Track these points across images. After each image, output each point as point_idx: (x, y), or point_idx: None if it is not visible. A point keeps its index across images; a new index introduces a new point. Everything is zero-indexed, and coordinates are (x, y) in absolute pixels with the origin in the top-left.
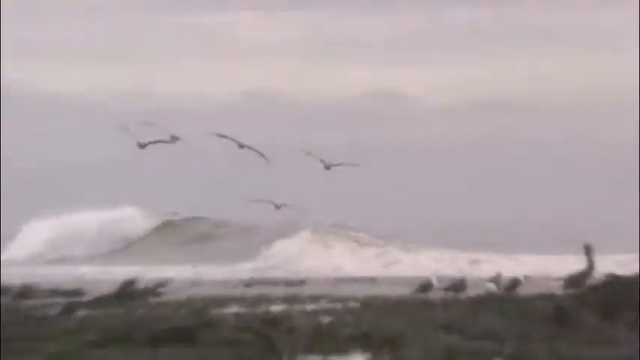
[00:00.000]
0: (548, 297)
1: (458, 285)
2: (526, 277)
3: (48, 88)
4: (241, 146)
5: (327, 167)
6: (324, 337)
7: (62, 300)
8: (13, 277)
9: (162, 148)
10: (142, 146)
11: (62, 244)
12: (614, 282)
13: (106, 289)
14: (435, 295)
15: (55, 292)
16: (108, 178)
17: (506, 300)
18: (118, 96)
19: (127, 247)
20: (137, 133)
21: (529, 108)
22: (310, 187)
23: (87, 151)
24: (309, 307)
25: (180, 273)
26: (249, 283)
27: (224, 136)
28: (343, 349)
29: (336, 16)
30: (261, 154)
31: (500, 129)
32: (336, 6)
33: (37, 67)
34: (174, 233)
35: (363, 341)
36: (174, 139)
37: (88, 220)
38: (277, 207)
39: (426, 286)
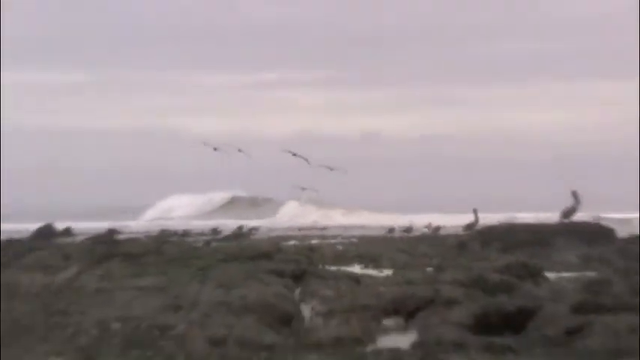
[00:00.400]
0: (454, 236)
1: (408, 229)
2: (444, 226)
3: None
4: (294, 154)
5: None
6: (339, 256)
7: (204, 237)
8: (170, 225)
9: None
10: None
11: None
12: (487, 228)
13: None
14: (396, 234)
15: (200, 234)
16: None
17: (433, 237)
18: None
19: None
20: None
21: None
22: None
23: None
24: (331, 241)
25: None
26: (301, 229)
27: (294, 154)
28: (349, 263)
29: None
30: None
31: None
32: None
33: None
34: (238, 203)
35: (359, 259)
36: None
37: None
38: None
39: (392, 230)
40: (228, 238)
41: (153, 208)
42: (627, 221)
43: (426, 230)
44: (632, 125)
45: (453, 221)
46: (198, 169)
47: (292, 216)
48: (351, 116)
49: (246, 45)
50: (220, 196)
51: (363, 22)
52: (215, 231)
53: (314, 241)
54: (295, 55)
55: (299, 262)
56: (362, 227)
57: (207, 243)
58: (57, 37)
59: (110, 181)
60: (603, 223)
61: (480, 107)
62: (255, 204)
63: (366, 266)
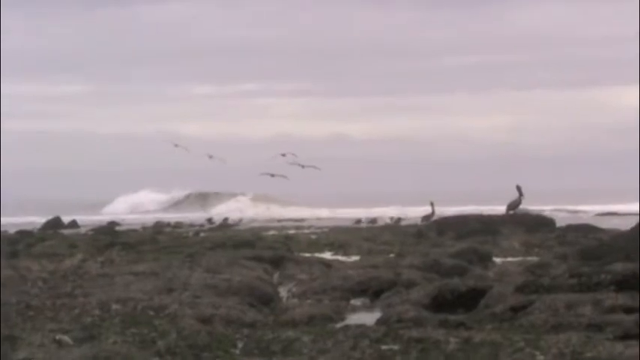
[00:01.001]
0: (414, 226)
1: (373, 220)
2: (404, 217)
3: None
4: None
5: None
6: (312, 244)
7: (193, 228)
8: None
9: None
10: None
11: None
12: (443, 219)
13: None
14: (363, 225)
15: (190, 225)
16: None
17: (395, 227)
18: None
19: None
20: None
21: None
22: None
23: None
24: (305, 231)
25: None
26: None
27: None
28: (321, 250)
29: None
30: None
31: None
32: None
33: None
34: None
35: (330, 246)
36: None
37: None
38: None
39: (359, 221)
40: (214, 228)
41: (118, 202)
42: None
43: (389, 221)
44: (574, 130)
45: (413, 213)
46: (170, 169)
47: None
48: (323, 121)
49: (230, 60)
50: (181, 193)
51: (334, 38)
52: (210, 221)
53: (290, 231)
54: (274, 68)
55: (277, 249)
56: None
57: (197, 233)
58: (61, 52)
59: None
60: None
61: (436, 113)
62: (205, 199)
63: (336, 253)
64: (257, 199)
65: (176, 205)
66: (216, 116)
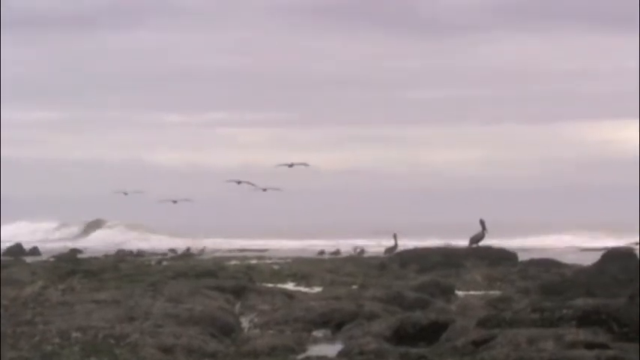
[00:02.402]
0: (377, 257)
1: (336, 252)
2: (367, 249)
3: None
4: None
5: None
6: (275, 275)
7: (156, 257)
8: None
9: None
10: None
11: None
12: (406, 251)
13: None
14: (325, 256)
15: (152, 253)
16: None
17: (358, 259)
18: None
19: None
20: None
21: None
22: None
23: None
24: (268, 261)
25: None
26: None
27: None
28: (284, 281)
29: None
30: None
31: None
32: None
33: None
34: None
35: (293, 277)
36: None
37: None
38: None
39: (322, 252)
40: (178, 257)
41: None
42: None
43: (352, 252)
44: (542, 164)
45: (376, 245)
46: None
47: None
48: (289, 151)
49: (198, 88)
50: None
51: (300, 68)
52: (172, 250)
53: (253, 261)
54: (241, 97)
55: (239, 279)
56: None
57: (159, 262)
58: (37, 80)
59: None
60: (507, 248)
61: (403, 145)
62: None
63: (299, 284)
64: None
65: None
66: (183, 144)
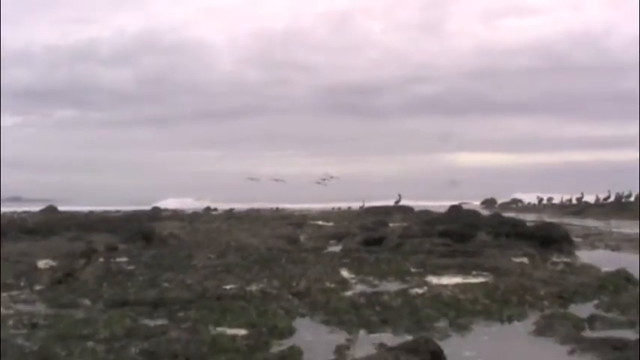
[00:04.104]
0: (356, 210)
1: (339, 208)
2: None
3: None
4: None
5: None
6: (313, 218)
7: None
8: None
9: None
10: None
11: None
12: (368, 207)
13: None
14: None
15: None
16: None
17: (348, 211)
18: None
19: None
20: None
21: None
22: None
23: None
24: (311, 213)
25: None
26: None
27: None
28: (317, 220)
29: None
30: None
31: None
32: None
33: None
34: None
35: (321, 219)
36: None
37: None
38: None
39: (338, 208)
40: (273, 211)
41: None
42: None
43: (346, 209)
44: None
45: (356, 205)
46: None
47: None
48: None
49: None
50: None
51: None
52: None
53: (304, 213)
54: None
55: (299, 220)
56: None
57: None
58: None
59: None
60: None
61: None
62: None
63: (324, 221)
64: None
65: None
66: None
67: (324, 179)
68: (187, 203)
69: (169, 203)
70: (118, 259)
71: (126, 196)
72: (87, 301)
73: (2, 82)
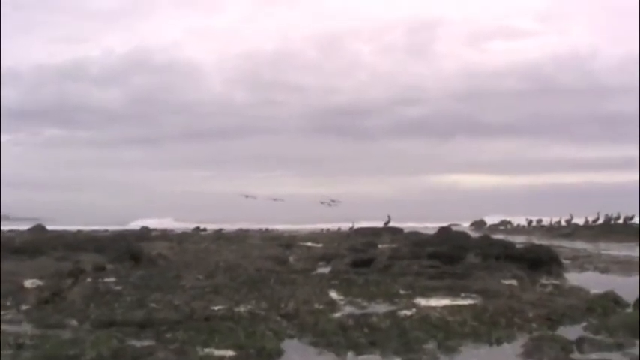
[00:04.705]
0: (346, 231)
1: (328, 230)
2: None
3: None
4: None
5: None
6: (302, 239)
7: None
8: None
9: None
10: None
11: None
12: (358, 228)
13: None
14: (324, 231)
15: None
16: None
17: (337, 232)
18: None
19: None
20: None
21: None
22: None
23: None
24: (300, 234)
25: None
26: None
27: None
28: (306, 241)
29: None
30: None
31: None
32: None
33: None
34: None
35: (310, 240)
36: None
37: None
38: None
39: (327, 230)
40: (262, 232)
41: None
42: None
43: (335, 229)
44: None
45: (345, 226)
46: None
47: None
48: None
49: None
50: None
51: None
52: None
53: (293, 234)
54: None
55: (289, 240)
56: None
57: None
58: None
59: None
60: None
61: None
62: None
63: (313, 242)
64: None
65: None
66: None
67: (331, 201)
68: (165, 223)
69: (149, 223)
70: (106, 279)
71: (106, 215)
72: (74, 322)
73: None
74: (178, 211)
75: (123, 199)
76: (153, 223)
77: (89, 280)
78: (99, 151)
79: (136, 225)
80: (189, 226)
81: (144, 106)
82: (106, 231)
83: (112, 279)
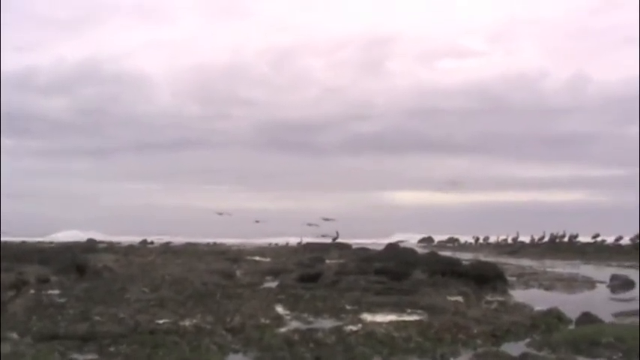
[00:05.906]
0: (294, 246)
1: (277, 244)
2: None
3: None
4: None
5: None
6: (250, 253)
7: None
8: None
9: None
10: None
11: None
12: (306, 243)
13: None
14: (272, 245)
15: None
16: None
17: (287, 247)
18: None
19: None
20: None
21: None
22: None
23: None
24: (247, 248)
25: None
26: None
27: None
28: (254, 255)
29: None
30: None
31: None
32: None
33: None
34: None
35: (258, 254)
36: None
37: None
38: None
39: (275, 244)
40: (210, 246)
41: None
42: None
43: (283, 244)
44: None
45: (294, 241)
46: None
47: None
48: None
49: None
50: None
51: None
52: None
53: (241, 248)
54: None
55: (236, 255)
56: None
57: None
58: None
59: None
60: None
61: None
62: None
63: (261, 256)
64: None
65: None
66: None
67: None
68: (75, 235)
69: (60, 236)
70: (50, 292)
71: (19, 226)
72: (14, 335)
73: None
74: (122, 223)
75: (64, 210)
76: (76, 235)
77: (32, 292)
78: (46, 162)
79: (64, 236)
80: (135, 238)
81: (93, 116)
82: (52, 243)
83: (56, 291)
